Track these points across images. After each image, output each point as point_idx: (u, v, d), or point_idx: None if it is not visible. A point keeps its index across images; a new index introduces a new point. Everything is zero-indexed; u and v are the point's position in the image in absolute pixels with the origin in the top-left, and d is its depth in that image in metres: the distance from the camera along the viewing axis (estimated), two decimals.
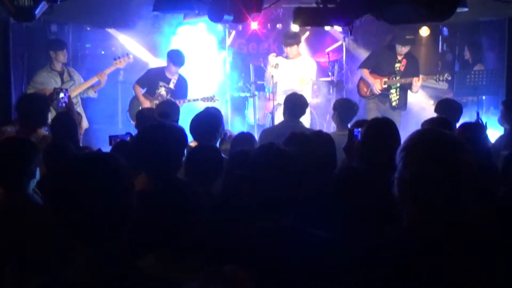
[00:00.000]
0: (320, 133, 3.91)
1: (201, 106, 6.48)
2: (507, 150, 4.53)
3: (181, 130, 3.24)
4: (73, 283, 1.62)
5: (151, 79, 7.58)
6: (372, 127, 3.41)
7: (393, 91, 7.58)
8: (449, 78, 7.59)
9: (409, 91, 7.72)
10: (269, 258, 2.17)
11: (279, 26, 9.37)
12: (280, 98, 7.62)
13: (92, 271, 1.62)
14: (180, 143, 3.13)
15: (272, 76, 7.43)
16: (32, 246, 2.76)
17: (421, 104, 9.11)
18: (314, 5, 5.47)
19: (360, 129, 3.55)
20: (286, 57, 7.84)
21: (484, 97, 8.03)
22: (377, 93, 7.55)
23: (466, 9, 5.65)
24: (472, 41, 8.67)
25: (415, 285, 1.80)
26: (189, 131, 4.64)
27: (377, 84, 7.58)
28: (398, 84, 7.54)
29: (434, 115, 5.54)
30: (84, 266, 1.64)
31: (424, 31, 9.24)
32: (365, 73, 7.79)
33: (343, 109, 5.67)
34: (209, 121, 4.46)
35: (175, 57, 7.56)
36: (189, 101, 7.51)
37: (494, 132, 5.84)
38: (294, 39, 7.75)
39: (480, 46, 8.52)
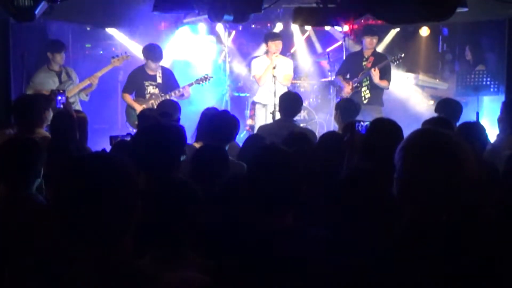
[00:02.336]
0: (332, 133, 3.91)
1: (202, 106, 6.43)
2: (509, 151, 4.52)
3: (180, 130, 3.25)
4: (75, 283, 1.62)
5: (135, 82, 7.40)
6: (376, 126, 3.41)
7: (364, 88, 7.69)
8: (402, 55, 7.65)
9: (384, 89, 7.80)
10: (269, 258, 2.16)
11: (279, 26, 9.37)
12: (267, 97, 7.68)
13: (94, 272, 1.62)
14: (178, 143, 3.14)
15: (274, 77, 7.42)
16: (35, 246, 2.76)
17: (421, 104, 9.14)
18: (314, 5, 5.47)
19: (361, 123, 3.55)
20: (262, 57, 7.86)
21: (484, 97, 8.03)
22: (348, 95, 7.64)
23: (466, 9, 5.65)
24: (473, 41, 8.67)
25: (414, 285, 1.79)
26: (201, 131, 4.63)
27: (347, 87, 7.75)
28: (367, 79, 7.63)
29: (434, 114, 5.54)
30: (86, 266, 1.64)
31: (424, 31, 9.25)
32: (339, 79, 8.01)
33: (345, 109, 5.69)
34: (228, 124, 4.45)
35: (152, 53, 7.34)
36: (184, 88, 7.34)
37: (495, 132, 5.85)
38: (277, 35, 7.88)
39: (480, 46, 8.53)
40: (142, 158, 3.02)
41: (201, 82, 7.64)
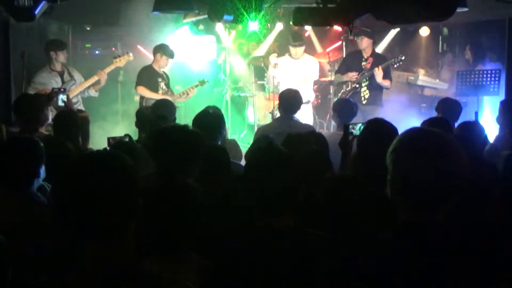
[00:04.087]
0: (312, 133, 3.92)
1: (203, 105, 6.43)
2: (508, 150, 4.53)
3: (198, 133, 3.23)
4: (76, 282, 1.62)
5: (151, 78, 7.58)
6: (370, 126, 3.44)
7: (363, 88, 7.72)
8: (403, 58, 7.69)
9: (384, 90, 7.81)
10: (269, 258, 2.17)
11: (279, 26, 9.37)
12: None
13: (94, 271, 1.62)
14: (198, 146, 3.14)
15: (273, 76, 7.43)
16: (35, 246, 2.76)
17: (421, 104, 9.14)
18: (314, 5, 5.47)
19: (354, 125, 3.61)
20: (290, 57, 7.83)
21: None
22: (354, 82, 7.65)
23: (466, 9, 5.66)
24: (473, 41, 8.68)
25: (410, 286, 1.79)
26: None
27: (351, 75, 7.74)
28: (367, 80, 7.65)
29: (434, 114, 5.56)
30: (86, 265, 1.64)
31: (424, 31, 9.24)
32: (339, 76, 8.01)
33: (343, 109, 5.70)
34: (212, 120, 4.46)
35: (169, 50, 7.64)
36: (184, 93, 7.66)
37: (494, 132, 5.86)
38: (302, 40, 7.83)
39: (480, 46, 8.53)
40: (161, 159, 3.04)
41: (199, 85, 7.92)
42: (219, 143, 4.39)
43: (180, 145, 3.04)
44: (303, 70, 7.73)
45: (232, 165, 3.74)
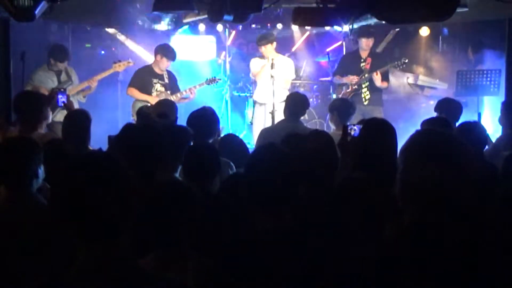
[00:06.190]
0: (318, 133, 3.91)
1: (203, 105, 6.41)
2: (508, 151, 4.53)
3: (178, 130, 3.24)
4: (75, 283, 1.62)
5: (143, 79, 7.44)
6: (368, 126, 3.43)
7: (364, 89, 7.73)
8: (406, 61, 7.69)
9: (384, 89, 7.83)
10: (268, 258, 2.16)
11: (279, 26, 9.37)
12: (264, 97, 7.65)
13: (93, 271, 1.62)
14: (174, 143, 3.15)
15: (272, 76, 7.39)
16: (35, 246, 2.76)
17: (421, 104, 9.14)
18: (314, 5, 5.47)
19: (353, 126, 3.60)
20: (262, 57, 7.80)
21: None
22: (354, 84, 7.66)
23: (466, 9, 5.65)
24: (473, 41, 8.68)
25: (414, 284, 1.79)
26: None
27: (351, 78, 7.71)
28: (367, 81, 7.66)
29: (434, 114, 5.55)
30: (85, 266, 1.64)
31: (424, 31, 9.25)
32: (338, 78, 7.98)
33: (343, 108, 5.69)
34: (206, 119, 4.46)
35: (169, 52, 7.47)
36: (190, 89, 7.50)
37: (495, 132, 5.86)
38: (266, 39, 7.68)
39: (480, 46, 8.53)
40: (132, 158, 3.07)
41: (210, 83, 7.81)
42: (211, 140, 4.40)
43: (141, 146, 3.08)
44: (280, 70, 7.62)
45: (224, 164, 3.75)
